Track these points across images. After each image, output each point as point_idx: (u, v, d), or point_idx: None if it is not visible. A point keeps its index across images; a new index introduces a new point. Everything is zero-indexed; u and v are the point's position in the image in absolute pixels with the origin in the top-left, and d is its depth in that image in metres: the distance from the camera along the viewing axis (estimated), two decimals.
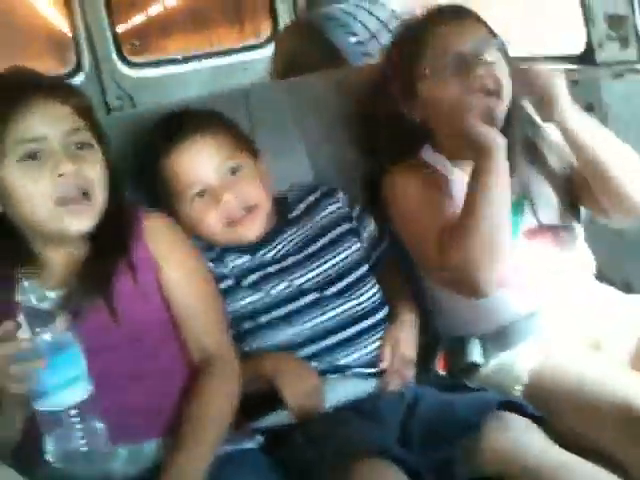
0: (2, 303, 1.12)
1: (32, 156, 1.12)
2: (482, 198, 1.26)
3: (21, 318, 1.02)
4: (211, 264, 1.34)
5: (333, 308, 1.33)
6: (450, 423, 1.17)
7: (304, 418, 1.24)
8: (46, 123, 1.12)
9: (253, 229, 1.34)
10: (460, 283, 1.29)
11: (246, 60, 3.28)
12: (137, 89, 2.96)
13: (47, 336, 0.99)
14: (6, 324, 1.01)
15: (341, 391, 1.28)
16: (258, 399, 1.26)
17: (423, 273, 1.44)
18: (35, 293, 1.02)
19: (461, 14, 1.38)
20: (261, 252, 1.36)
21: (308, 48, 2.62)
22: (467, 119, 1.29)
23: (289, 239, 1.38)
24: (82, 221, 1.14)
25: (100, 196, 1.16)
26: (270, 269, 1.34)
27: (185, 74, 3.19)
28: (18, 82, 1.16)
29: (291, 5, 3.20)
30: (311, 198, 1.44)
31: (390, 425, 1.21)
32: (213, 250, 1.36)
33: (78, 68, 3.00)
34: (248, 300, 1.33)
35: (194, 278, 1.26)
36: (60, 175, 1.11)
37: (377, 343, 1.33)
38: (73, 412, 1.03)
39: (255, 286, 1.33)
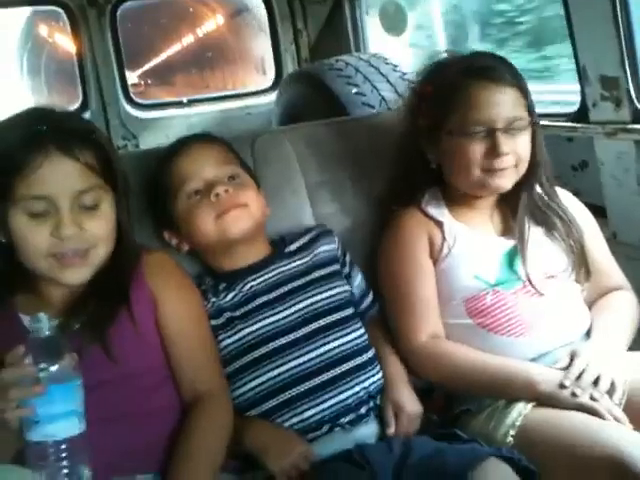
0: (3, 329, 1.14)
1: (36, 212, 1.11)
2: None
3: (27, 345, 1.02)
4: (211, 298, 1.37)
5: (316, 347, 1.34)
6: (440, 473, 1.17)
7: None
8: (55, 182, 1.11)
9: (241, 225, 1.37)
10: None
11: (249, 105, 3.35)
12: (142, 130, 3.02)
13: (53, 367, 1.00)
14: (17, 349, 1.01)
15: (332, 444, 1.28)
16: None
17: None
18: (40, 322, 1.03)
19: (498, 75, 1.38)
20: (257, 278, 1.39)
21: (310, 96, 2.68)
22: None
23: (280, 270, 1.41)
24: (77, 274, 1.15)
25: (101, 251, 1.16)
26: (260, 299, 1.38)
27: (189, 116, 3.25)
28: (34, 130, 1.13)
29: (295, 54, 3.29)
30: (307, 237, 1.48)
31: (382, 475, 1.20)
32: (207, 279, 1.40)
33: (85, 106, 3.05)
34: (238, 336, 1.35)
35: (190, 316, 1.27)
36: (60, 238, 1.11)
37: (361, 386, 1.34)
38: (63, 447, 1.02)
39: (246, 317, 1.36)
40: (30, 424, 1.01)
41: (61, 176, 1.12)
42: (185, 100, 3.39)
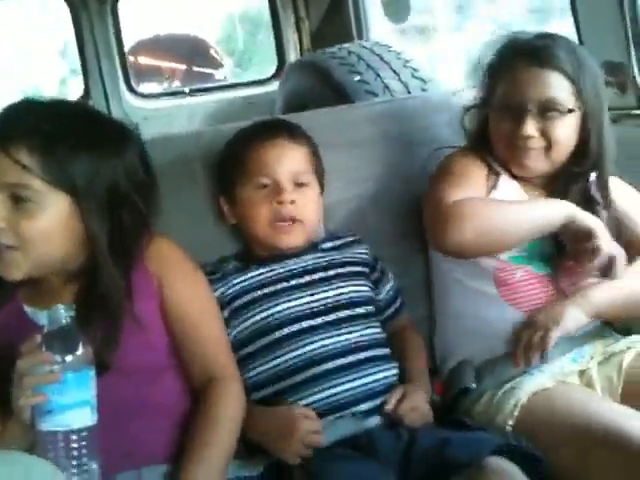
0: (13, 322, 1.15)
1: None
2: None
3: (43, 335, 1.02)
4: (233, 280, 1.39)
5: (336, 334, 1.36)
6: (446, 462, 1.17)
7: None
8: None
9: (291, 239, 1.41)
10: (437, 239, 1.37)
11: (251, 94, 3.34)
12: (144, 119, 3.01)
13: (68, 357, 1.01)
14: (34, 338, 1.02)
15: (339, 430, 1.28)
16: None
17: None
18: (58, 313, 1.03)
19: (545, 58, 1.38)
20: (287, 264, 1.41)
21: (312, 85, 2.68)
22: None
23: (313, 261, 1.43)
24: (11, 270, 1.13)
25: (38, 248, 1.13)
26: (287, 283, 1.39)
27: (191, 106, 3.25)
28: None
29: (297, 43, 3.28)
30: (339, 241, 1.51)
31: (390, 463, 1.21)
32: (232, 262, 1.43)
33: (87, 96, 3.05)
34: (259, 317, 1.36)
35: (196, 301, 1.27)
36: None
37: (376, 376, 1.34)
38: (74, 437, 1.02)
39: (270, 298, 1.37)
40: (42, 413, 1.01)
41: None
42: (187, 90, 3.38)
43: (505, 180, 1.45)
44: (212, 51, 4.70)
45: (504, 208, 1.37)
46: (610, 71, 1.82)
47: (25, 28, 4.11)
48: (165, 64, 4.56)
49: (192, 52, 4.66)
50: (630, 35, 1.76)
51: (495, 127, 1.44)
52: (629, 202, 1.50)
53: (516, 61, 1.41)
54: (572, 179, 1.44)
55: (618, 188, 1.51)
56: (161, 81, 4.46)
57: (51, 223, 1.13)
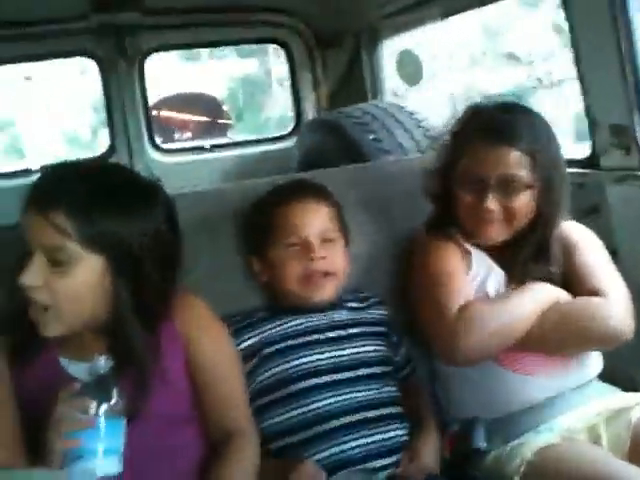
0: (49, 373, 1.19)
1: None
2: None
3: (82, 383, 1.07)
4: (258, 330, 1.44)
5: (353, 391, 1.39)
6: None
7: None
8: (30, 236, 1.16)
9: (325, 293, 1.46)
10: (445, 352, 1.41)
11: (268, 150, 3.44)
12: (166, 173, 3.11)
13: (104, 405, 1.05)
14: (73, 386, 1.07)
15: None
16: None
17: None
18: (99, 362, 1.08)
19: (507, 136, 1.42)
20: (314, 318, 1.46)
21: (328, 143, 2.76)
22: None
23: (339, 317, 1.48)
24: (48, 328, 1.18)
25: (70, 306, 1.17)
26: (311, 337, 1.44)
27: (210, 161, 3.35)
28: (31, 186, 1.18)
29: (314, 102, 3.39)
30: (364, 301, 1.55)
31: None
32: (260, 312, 1.48)
33: (112, 151, 3.16)
34: (282, 367, 1.40)
35: (221, 358, 1.30)
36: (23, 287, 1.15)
37: (387, 434, 1.37)
38: None
39: (294, 350, 1.42)
40: (73, 458, 1.04)
41: (33, 231, 1.16)
42: (208, 146, 3.49)
43: (476, 255, 1.49)
44: (224, 107, 5.19)
45: (505, 305, 1.42)
46: (615, 134, 1.89)
47: (66, 85, 4.99)
48: (185, 117, 5.03)
49: (209, 107, 5.13)
50: (633, 99, 1.83)
51: (459, 199, 1.48)
52: (589, 251, 1.53)
53: (478, 137, 1.45)
54: (527, 243, 1.48)
55: (577, 236, 1.54)
56: (179, 132, 4.93)
57: (84, 283, 1.17)
